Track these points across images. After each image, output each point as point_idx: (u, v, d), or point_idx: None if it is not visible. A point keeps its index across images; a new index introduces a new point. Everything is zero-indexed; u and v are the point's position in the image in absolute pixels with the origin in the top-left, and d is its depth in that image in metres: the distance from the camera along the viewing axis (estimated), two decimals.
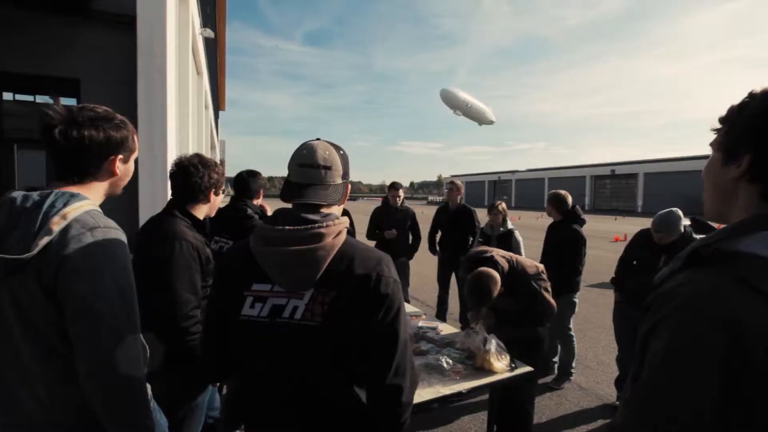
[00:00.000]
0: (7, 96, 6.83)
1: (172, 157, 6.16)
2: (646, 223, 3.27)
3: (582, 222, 3.76)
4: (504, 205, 4.42)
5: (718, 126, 0.74)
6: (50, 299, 0.94)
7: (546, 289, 2.62)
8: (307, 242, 0.99)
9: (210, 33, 8.74)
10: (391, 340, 1.02)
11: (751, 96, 0.68)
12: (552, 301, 2.63)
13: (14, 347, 0.97)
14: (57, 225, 0.95)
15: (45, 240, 0.93)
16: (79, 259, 0.94)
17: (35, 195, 0.99)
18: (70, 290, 0.94)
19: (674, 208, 3.08)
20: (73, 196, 1.01)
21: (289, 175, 1.10)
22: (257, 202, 3.04)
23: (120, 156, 1.12)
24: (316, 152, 1.06)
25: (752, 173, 0.66)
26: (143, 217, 6.13)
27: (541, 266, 2.70)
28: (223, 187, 2.02)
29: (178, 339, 1.65)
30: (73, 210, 0.98)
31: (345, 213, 4.35)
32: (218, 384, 2.19)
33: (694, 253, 0.66)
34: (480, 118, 34.18)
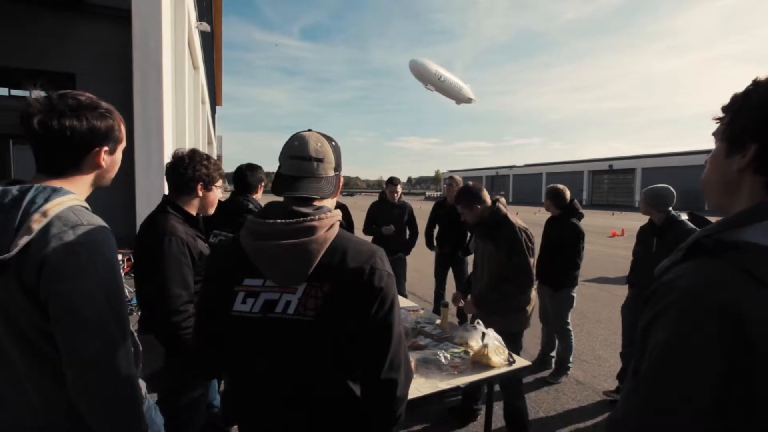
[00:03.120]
0: (2, 91, 6.78)
1: (168, 151, 6.12)
2: (644, 218, 3.28)
3: (580, 216, 3.76)
4: (503, 200, 4.40)
5: (721, 115, 0.71)
6: (32, 301, 0.90)
7: (528, 247, 2.65)
8: (299, 236, 0.97)
9: (206, 27, 8.66)
10: (385, 334, 1.01)
11: (756, 84, 0.66)
12: (531, 266, 2.65)
13: (1, 347, 0.94)
14: (37, 223, 0.89)
15: (24, 240, 0.88)
16: (60, 259, 0.89)
17: (14, 190, 0.93)
18: (51, 292, 0.89)
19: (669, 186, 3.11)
20: (55, 191, 0.94)
21: (280, 167, 1.07)
22: (257, 196, 3.01)
23: (105, 147, 1.05)
24: (308, 144, 1.04)
25: (758, 163, 0.64)
26: (139, 211, 6.11)
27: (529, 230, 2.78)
28: (219, 183, 1.97)
29: (171, 334, 1.66)
30: (55, 206, 0.92)
31: (342, 207, 4.32)
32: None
33: (696, 244, 0.64)
34: (457, 96, 30.21)
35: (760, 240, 0.59)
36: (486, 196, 2.76)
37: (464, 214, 2.81)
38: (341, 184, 1.15)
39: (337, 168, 1.10)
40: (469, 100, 31.87)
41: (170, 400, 1.74)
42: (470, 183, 2.84)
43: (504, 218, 2.71)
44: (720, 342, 0.54)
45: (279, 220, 0.99)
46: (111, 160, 1.09)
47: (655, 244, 3.12)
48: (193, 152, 1.89)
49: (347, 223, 4.19)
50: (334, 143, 1.11)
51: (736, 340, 0.53)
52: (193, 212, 1.89)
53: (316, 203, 1.05)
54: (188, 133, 8.68)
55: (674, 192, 3.07)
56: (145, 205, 5.73)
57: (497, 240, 2.68)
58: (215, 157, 2.01)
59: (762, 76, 0.66)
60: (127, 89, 5.67)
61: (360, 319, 0.98)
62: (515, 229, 2.64)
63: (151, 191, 5.80)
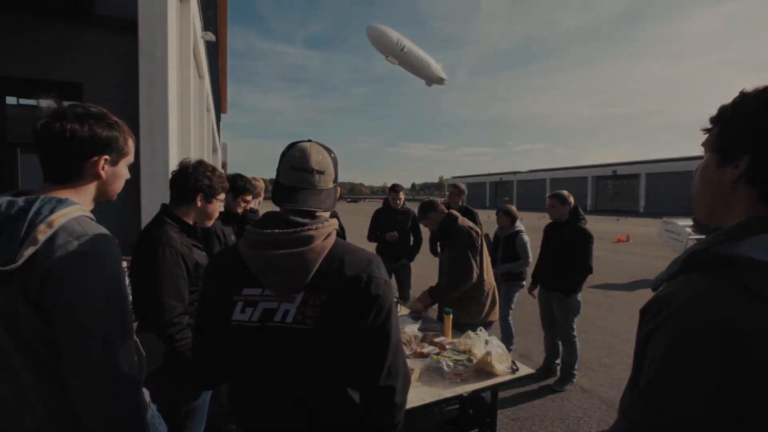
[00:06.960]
0: (11, 101, 6.88)
1: (173, 160, 6.17)
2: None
3: (584, 223, 3.74)
4: (513, 207, 4.50)
5: (709, 126, 0.72)
6: (37, 311, 0.90)
7: (470, 245, 2.95)
8: (297, 245, 0.97)
9: (211, 36, 8.76)
10: (382, 341, 1.01)
11: (743, 95, 0.66)
12: (473, 265, 2.91)
13: (6, 359, 0.94)
14: (43, 234, 0.90)
15: (30, 250, 0.88)
16: (64, 269, 0.90)
17: (21, 201, 0.94)
18: (56, 302, 0.90)
19: None
20: (60, 202, 0.95)
21: (279, 176, 1.07)
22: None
23: (106, 157, 1.05)
24: (310, 156, 1.05)
25: (751, 174, 0.64)
26: (144, 219, 6.14)
27: (481, 233, 3.13)
28: (221, 197, 1.95)
29: (166, 346, 1.65)
30: (60, 217, 0.93)
31: (333, 214, 4.54)
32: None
33: (692, 257, 0.64)
34: (425, 73, 26.59)
35: (756, 255, 0.58)
36: (440, 206, 3.21)
37: (426, 225, 3.27)
38: (338, 194, 1.16)
39: (335, 179, 1.12)
40: (440, 81, 28.66)
41: (170, 408, 1.73)
42: (426, 199, 3.34)
43: (454, 221, 3.06)
44: (717, 357, 0.54)
45: (277, 230, 0.99)
46: (112, 172, 1.08)
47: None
48: (199, 163, 1.89)
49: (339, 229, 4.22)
50: (333, 155, 1.12)
51: (733, 355, 0.53)
52: (191, 222, 1.88)
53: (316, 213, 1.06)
54: (194, 141, 8.75)
55: None
56: (150, 213, 5.73)
57: (448, 240, 3.07)
58: (220, 163, 2.02)
59: (749, 88, 0.66)
60: (133, 98, 5.74)
61: (358, 327, 0.99)
62: (461, 229, 3.00)
63: (156, 199, 5.83)
